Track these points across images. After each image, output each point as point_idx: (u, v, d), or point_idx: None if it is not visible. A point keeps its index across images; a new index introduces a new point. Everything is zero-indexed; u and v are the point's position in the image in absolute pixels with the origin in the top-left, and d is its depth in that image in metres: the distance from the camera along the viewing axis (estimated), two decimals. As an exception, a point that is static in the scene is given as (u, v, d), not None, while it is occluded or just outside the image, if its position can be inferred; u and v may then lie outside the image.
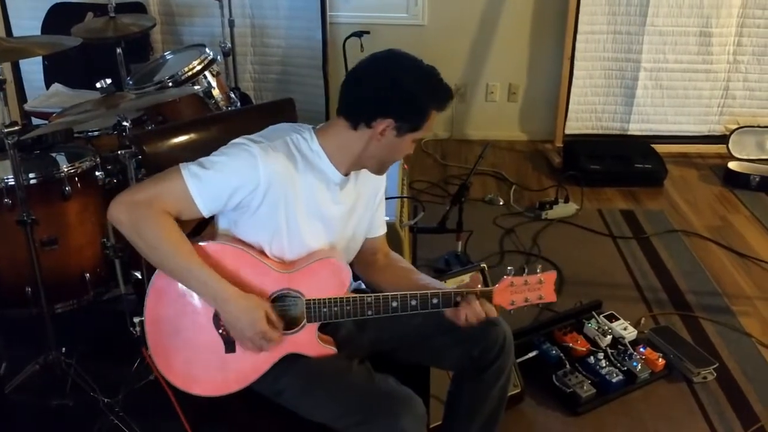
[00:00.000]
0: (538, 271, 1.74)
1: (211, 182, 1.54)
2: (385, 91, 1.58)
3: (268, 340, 1.59)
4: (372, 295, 1.65)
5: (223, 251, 1.60)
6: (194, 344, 1.64)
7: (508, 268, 1.75)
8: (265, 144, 1.58)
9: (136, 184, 1.61)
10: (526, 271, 1.73)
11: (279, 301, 1.63)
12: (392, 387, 1.64)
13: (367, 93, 1.60)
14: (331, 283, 1.65)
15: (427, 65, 1.62)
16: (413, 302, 1.65)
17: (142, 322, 1.64)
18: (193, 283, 1.57)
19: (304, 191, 1.61)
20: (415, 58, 1.62)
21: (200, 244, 1.59)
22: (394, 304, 1.65)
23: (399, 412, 1.57)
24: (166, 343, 1.64)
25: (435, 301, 1.66)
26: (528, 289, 1.73)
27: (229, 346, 1.64)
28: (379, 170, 1.72)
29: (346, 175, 1.68)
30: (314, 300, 1.63)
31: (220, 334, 1.64)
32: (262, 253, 1.63)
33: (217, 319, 1.62)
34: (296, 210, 1.61)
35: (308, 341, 1.66)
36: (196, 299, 1.60)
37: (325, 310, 1.64)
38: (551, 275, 1.75)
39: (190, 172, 1.54)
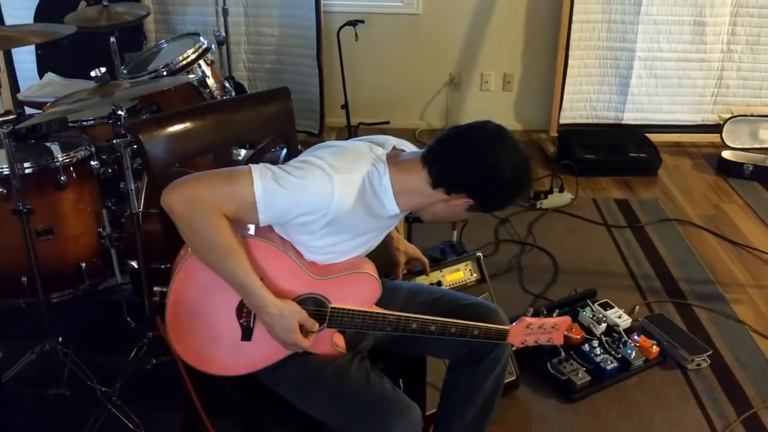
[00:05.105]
0: (555, 315, 1.79)
1: (281, 201, 1.50)
2: (483, 177, 1.55)
3: (298, 347, 1.62)
4: (394, 314, 1.68)
5: (264, 249, 1.60)
6: (212, 328, 1.65)
7: (529, 309, 1.80)
8: (344, 177, 1.53)
9: (200, 174, 1.52)
10: (544, 312, 1.79)
11: (305, 303, 1.64)
12: (388, 392, 1.65)
13: (464, 168, 1.55)
14: (359, 296, 1.67)
15: (526, 156, 1.58)
16: (432, 327, 1.70)
17: (164, 293, 1.63)
18: (233, 284, 1.56)
19: (362, 223, 1.60)
20: (518, 147, 1.57)
21: (243, 237, 1.57)
22: (414, 326, 1.69)
23: (393, 419, 1.59)
24: (184, 322, 1.65)
25: (453, 330, 1.71)
26: (541, 332, 1.79)
27: (247, 335, 1.65)
28: (431, 222, 1.73)
29: (402, 211, 1.65)
30: (338, 309, 1.65)
31: (241, 323, 1.64)
32: (299, 254, 1.63)
33: (240, 309, 1.63)
34: (349, 236, 1.62)
35: (322, 343, 1.67)
36: (224, 288, 1.58)
37: (346, 319, 1.66)
38: (565, 321, 1.80)
39: (263, 186, 1.49)
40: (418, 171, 1.57)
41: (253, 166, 1.52)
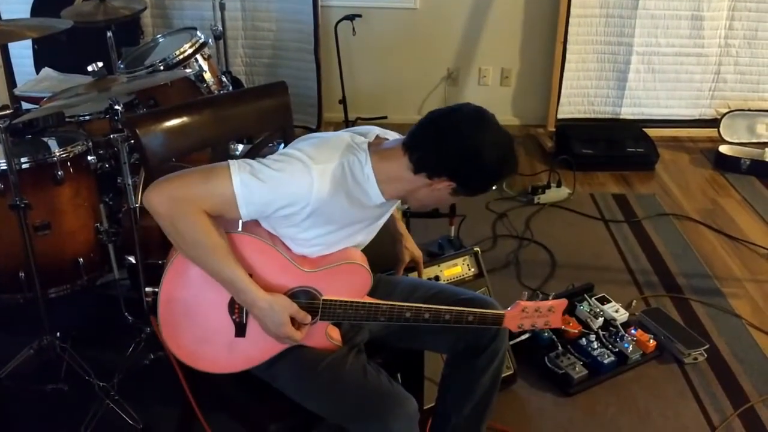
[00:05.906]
0: (550, 298, 1.78)
1: (261, 195, 1.50)
2: (464, 160, 1.53)
3: (292, 340, 1.62)
4: (387, 303, 1.67)
5: (252, 244, 1.60)
6: (205, 326, 1.64)
7: (523, 292, 1.79)
8: (322, 167, 1.52)
9: (180, 172, 1.53)
10: (539, 296, 1.79)
11: (296, 297, 1.63)
12: (385, 386, 1.65)
13: (445, 152, 1.53)
14: (351, 287, 1.66)
15: (508, 137, 1.58)
16: (426, 315, 1.69)
17: (155, 293, 1.63)
18: (221, 281, 1.56)
19: (346, 213, 1.60)
20: (500, 128, 1.56)
21: (229, 233, 1.57)
22: (407, 314, 1.68)
23: (390, 412, 1.59)
24: (177, 321, 1.64)
25: (447, 317, 1.70)
26: (537, 316, 1.78)
27: (240, 331, 1.65)
28: (418, 209, 1.73)
29: (388, 200, 1.65)
30: (330, 300, 1.64)
31: (233, 319, 1.64)
32: (287, 248, 1.63)
33: (232, 306, 1.63)
34: (334, 227, 1.61)
35: (317, 335, 1.68)
36: (214, 285, 1.58)
37: (339, 311, 1.66)
38: (562, 303, 1.79)
39: (241, 180, 1.49)
40: (399, 157, 1.57)
41: (232, 162, 1.52)
